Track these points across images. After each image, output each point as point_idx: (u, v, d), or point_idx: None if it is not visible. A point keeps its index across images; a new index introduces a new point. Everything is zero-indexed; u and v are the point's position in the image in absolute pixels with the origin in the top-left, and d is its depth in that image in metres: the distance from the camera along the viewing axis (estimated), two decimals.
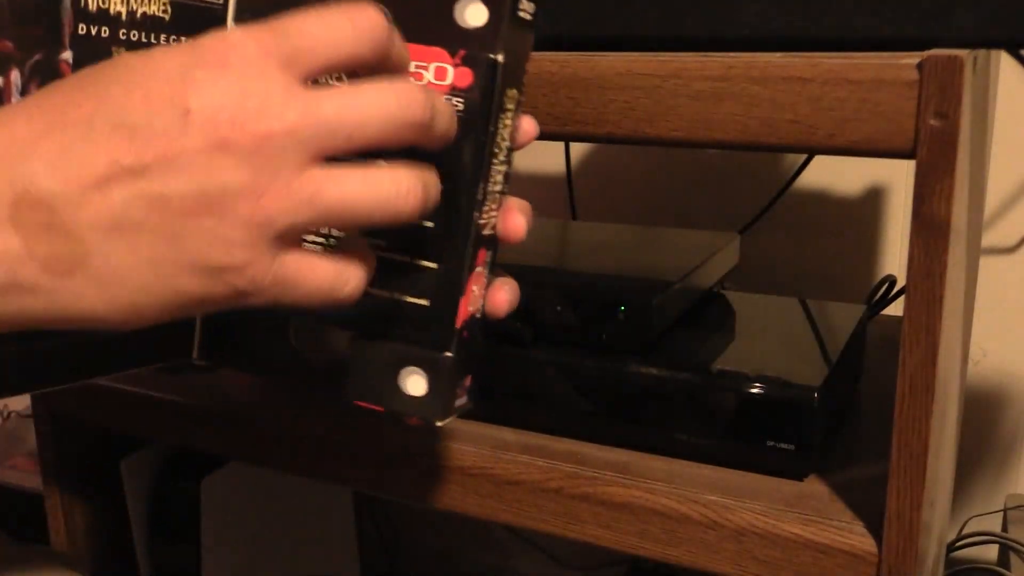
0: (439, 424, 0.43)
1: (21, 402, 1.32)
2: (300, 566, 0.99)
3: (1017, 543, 0.81)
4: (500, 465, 0.60)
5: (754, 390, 0.56)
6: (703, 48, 0.49)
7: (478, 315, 0.44)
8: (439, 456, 0.62)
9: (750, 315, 0.71)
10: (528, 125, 0.45)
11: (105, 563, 0.89)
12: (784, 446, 0.55)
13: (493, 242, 0.44)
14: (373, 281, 0.41)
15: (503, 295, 0.45)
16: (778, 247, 0.97)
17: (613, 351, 0.61)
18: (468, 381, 0.45)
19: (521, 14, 0.40)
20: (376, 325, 0.43)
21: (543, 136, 0.53)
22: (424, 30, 0.40)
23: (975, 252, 0.73)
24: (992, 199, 0.88)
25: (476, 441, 0.62)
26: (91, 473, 0.87)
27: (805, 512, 0.53)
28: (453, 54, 0.40)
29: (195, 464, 0.86)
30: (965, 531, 0.91)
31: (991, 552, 0.89)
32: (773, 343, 0.65)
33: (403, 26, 0.38)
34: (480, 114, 0.40)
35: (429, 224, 0.42)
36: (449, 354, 0.42)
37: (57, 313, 0.35)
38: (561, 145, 0.99)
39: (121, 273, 0.35)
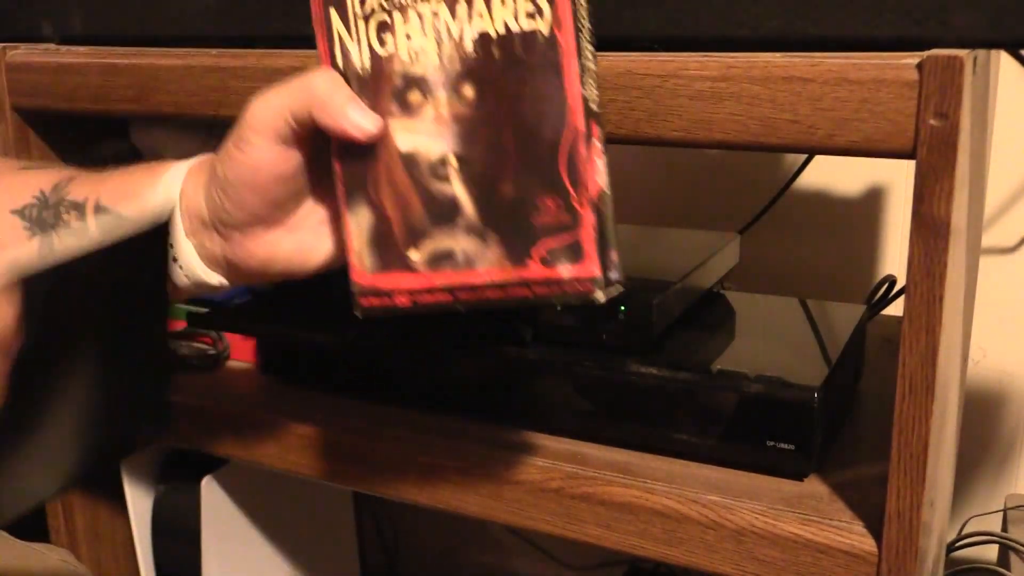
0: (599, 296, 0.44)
1: None
2: (300, 566, 0.99)
3: (1017, 543, 0.81)
4: (500, 465, 0.60)
5: (754, 390, 0.56)
6: (703, 48, 0.49)
7: (606, 192, 0.44)
8: (439, 456, 0.62)
9: (750, 315, 0.71)
10: None
11: (105, 563, 0.89)
12: (784, 446, 0.55)
13: (600, 122, 0.44)
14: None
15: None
16: (778, 247, 0.97)
17: (613, 351, 0.61)
18: (615, 256, 0.45)
19: None
20: None
21: None
22: None
23: (975, 252, 0.73)
24: (992, 199, 0.88)
25: (476, 441, 0.62)
26: (91, 473, 0.87)
27: (805, 512, 0.53)
28: None
29: (195, 464, 0.86)
30: (965, 531, 0.91)
31: (991, 552, 0.89)
32: (773, 343, 0.65)
33: None
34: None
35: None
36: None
37: None
38: None
39: None
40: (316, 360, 0.71)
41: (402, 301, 0.48)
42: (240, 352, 0.80)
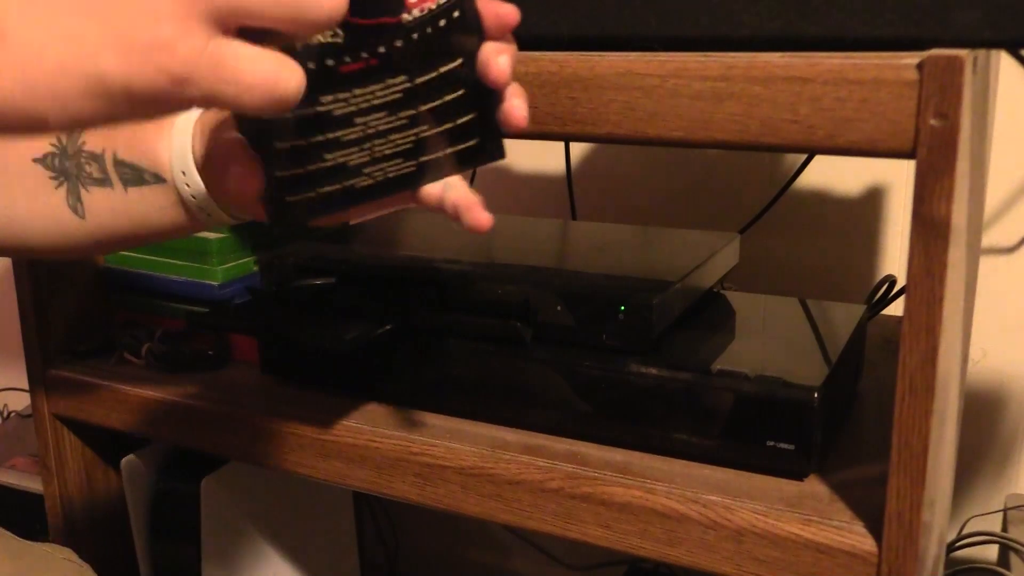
0: None
1: (21, 402, 1.32)
2: (300, 566, 0.99)
3: (1017, 543, 0.81)
4: (500, 465, 0.60)
5: (754, 390, 0.56)
6: (703, 48, 0.49)
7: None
8: (439, 456, 0.62)
9: (750, 315, 0.71)
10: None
11: (105, 563, 0.89)
12: (784, 446, 0.55)
13: None
14: None
15: None
16: (778, 247, 0.97)
17: (613, 351, 0.61)
18: None
19: None
20: None
21: (543, 136, 0.53)
22: None
23: (975, 252, 0.73)
24: (992, 199, 0.88)
25: (476, 441, 0.62)
26: (91, 473, 0.87)
27: (805, 512, 0.53)
28: None
29: (195, 464, 0.86)
30: (965, 531, 0.91)
31: (991, 552, 0.89)
32: (773, 343, 0.65)
33: None
34: None
35: None
36: None
37: None
38: (561, 145, 0.99)
39: (38, 49, 0.32)
40: (316, 360, 0.71)
41: None
42: (241, 352, 0.80)
